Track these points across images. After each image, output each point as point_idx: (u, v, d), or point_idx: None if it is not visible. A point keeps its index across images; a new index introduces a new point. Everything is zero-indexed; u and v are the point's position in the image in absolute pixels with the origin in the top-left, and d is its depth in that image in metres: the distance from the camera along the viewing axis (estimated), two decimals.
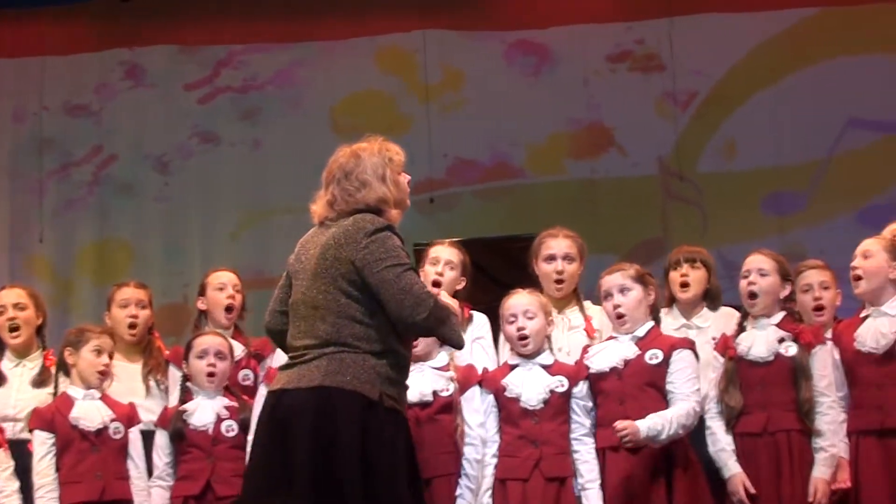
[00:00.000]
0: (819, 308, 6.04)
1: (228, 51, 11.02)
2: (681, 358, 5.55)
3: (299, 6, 10.96)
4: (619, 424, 5.29)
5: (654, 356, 5.54)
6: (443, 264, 6.08)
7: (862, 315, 5.75)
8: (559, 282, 6.10)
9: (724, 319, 6.10)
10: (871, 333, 5.62)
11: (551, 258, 6.14)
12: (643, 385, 5.51)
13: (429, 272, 6.04)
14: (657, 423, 5.34)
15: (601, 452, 5.53)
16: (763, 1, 10.55)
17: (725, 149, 10.52)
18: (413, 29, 10.83)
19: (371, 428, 4.49)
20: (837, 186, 10.24)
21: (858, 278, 5.71)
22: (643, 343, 5.59)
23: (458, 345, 4.80)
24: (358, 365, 4.54)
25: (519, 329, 5.61)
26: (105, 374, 6.03)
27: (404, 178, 4.89)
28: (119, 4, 10.92)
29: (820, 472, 5.51)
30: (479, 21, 10.88)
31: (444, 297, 4.86)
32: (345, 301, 4.58)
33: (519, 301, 5.67)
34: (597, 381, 5.59)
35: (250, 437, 5.72)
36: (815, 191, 10.32)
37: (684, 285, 6.18)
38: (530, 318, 5.62)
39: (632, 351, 5.58)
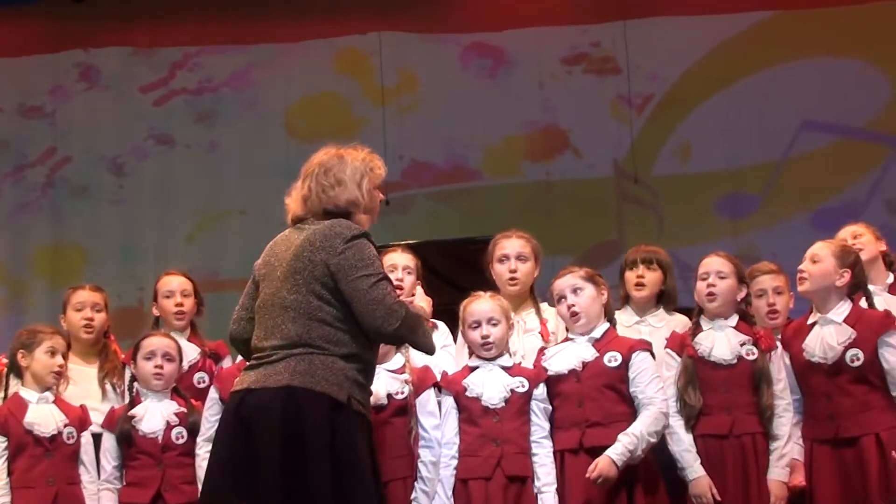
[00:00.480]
0: (773, 312, 6.04)
1: (183, 53, 10.99)
2: (640, 360, 5.52)
3: (255, 8, 10.93)
4: (590, 470, 5.29)
5: (612, 358, 5.52)
6: (401, 270, 6.08)
7: (809, 322, 5.72)
8: (513, 280, 6.09)
9: (678, 324, 6.11)
10: (819, 343, 5.58)
11: (505, 258, 6.14)
12: (602, 387, 5.48)
13: None
14: (629, 444, 5.33)
15: (559, 455, 5.51)
16: (718, 4, 10.60)
17: (680, 151, 10.57)
18: (369, 31, 10.83)
19: (339, 429, 4.49)
20: (791, 189, 10.31)
21: (803, 279, 5.72)
22: (600, 345, 5.57)
23: (430, 351, 4.83)
24: (327, 367, 4.54)
25: (483, 337, 5.60)
26: (60, 374, 5.97)
27: (378, 194, 4.92)
28: (71, 5, 10.86)
29: (776, 474, 5.52)
30: (435, 23, 10.89)
31: (420, 299, 4.90)
32: (316, 303, 4.58)
33: (482, 307, 5.65)
34: (555, 384, 5.57)
35: (200, 440, 5.73)
36: (770, 193, 10.38)
37: (639, 285, 6.18)
38: (494, 325, 5.61)
39: (590, 353, 5.55)
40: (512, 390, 5.52)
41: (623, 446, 5.33)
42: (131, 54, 10.98)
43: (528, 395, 5.53)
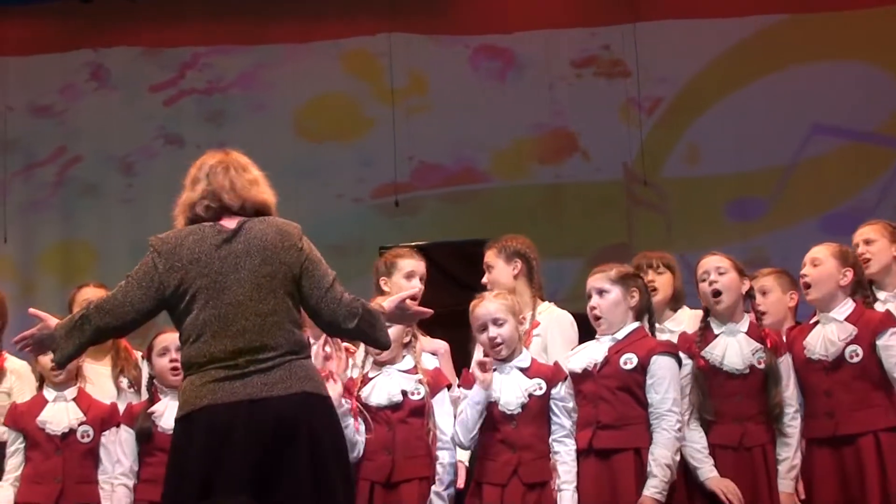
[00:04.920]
0: (761, 313, 5.99)
1: (193, 53, 11.01)
2: (659, 366, 5.42)
3: (264, 8, 10.94)
4: None
5: (628, 360, 5.42)
6: (418, 278, 6.11)
7: (812, 321, 5.72)
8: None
9: (693, 321, 6.07)
10: (821, 341, 5.55)
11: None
12: (616, 389, 5.40)
13: (402, 284, 6.03)
14: (664, 477, 5.29)
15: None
16: (728, 7, 10.60)
17: (689, 154, 10.57)
18: (379, 32, 10.83)
19: (342, 431, 4.62)
20: (801, 193, 10.30)
21: (808, 286, 5.70)
22: (621, 345, 5.48)
23: (384, 346, 4.86)
24: (314, 370, 4.64)
25: (491, 339, 5.55)
26: (56, 370, 5.96)
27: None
28: (81, 5, 10.87)
29: (786, 486, 5.47)
30: (444, 25, 10.90)
31: (406, 304, 4.89)
32: (291, 305, 4.60)
33: (486, 309, 5.58)
34: (576, 382, 5.53)
35: None
36: (779, 197, 10.37)
37: (652, 290, 6.15)
38: (500, 325, 5.56)
39: (604, 354, 5.48)
40: (530, 395, 5.46)
41: (660, 481, 5.28)
42: (141, 54, 11.00)
43: (546, 397, 5.46)
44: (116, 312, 4.73)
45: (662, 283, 6.22)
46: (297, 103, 10.88)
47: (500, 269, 6.19)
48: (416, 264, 6.15)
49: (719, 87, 10.55)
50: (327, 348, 5.50)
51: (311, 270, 4.61)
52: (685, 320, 6.17)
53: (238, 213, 4.76)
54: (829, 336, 5.56)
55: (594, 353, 5.52)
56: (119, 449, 5.90)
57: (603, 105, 10.66)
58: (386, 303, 4.84)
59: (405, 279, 6.09)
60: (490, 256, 6.16)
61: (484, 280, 6.17)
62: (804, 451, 5.56)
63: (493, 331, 5.52)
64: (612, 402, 5.40)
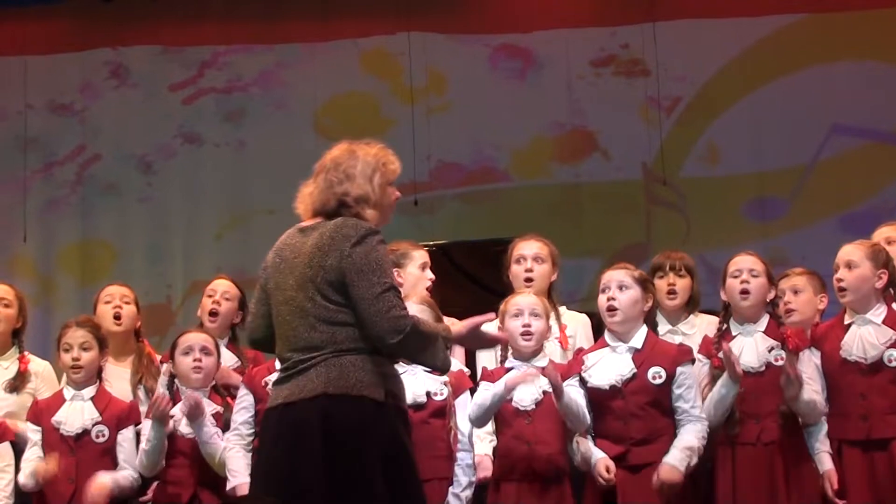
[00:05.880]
0: (789, 311, 5.98)
1: (212, 52, 11.01)
2: (685, 376, 5.50)
3: (283, 7, 10.95)
4: (654, 483, 5.31)
5: (657, 375, 5.46)
6: (430, 269, 6.13)
7: (846, 322, 5.69)
8: (528, 280, 6.09)
9: (708, 326, 6.08)
10: (858, 342, 5.55)
11: (522, 259, 6.16)
12: (646, 405, 5.47)
13: (417, 275, 6.06)
14: (687, 452, 5.36)
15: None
16: (747, 7, 10.57)
17: (709, 154, 10.55)
18: (398, 31, 10.83)
19: (385, 430, 4.46)
20: (821, 193, 10.27)
21: (843, 290, 5.67)
22: (642, 356, 5.51)
23: (436, 369, 4.79)
24: (358, 367, 4.46)
25: (524, 326, 5.58)
26: (77, 368, 5.96)
27: (393, 191, 4.82)
28: (100, 5, 10.89)
29: (830, 465, 5.50)
30: (464, 24, 10.89)
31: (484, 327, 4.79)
32: (334, 308, 4.48)
33: (526, 299, 5.65)
34: (597, 396, 5.53)
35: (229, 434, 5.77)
36: (799, 197, 10.35)
37: (671, 293, 6.15)
38: (536, 317, 5.60)
39: (630, 367, 5.50)
40: (544, 392, 5.49)
41: (680, 452, 5.33)
42: (160, 53, 11.01)
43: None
44: (249, 326, 4.87)
45: (682, 286, 6.20)
46: (316, 102, 10.87)
47: (545, 270, 6.19)
48: (426, 255, 6.18)
49: (738, 86, 10.52)
50: None
51: (354, 280, 4.46)
52: (699, 325, 6.16)
53: (321, 212, 4.69)
54: (867, 338, 5.56)
55: (619, 367, 5.53)
56: (134, 447, 5.90)
57: (622, 104, 10.65)
58: (457, 326, 4.73)
59: (419, 269, 6.11)
60: (543, 250, 6.17)
61: (528, 268, 6.13)
62: (834, 450, 5.56)
63: (527, 318, 5.56)
64: (644, 417, 5.47)
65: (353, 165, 4.72)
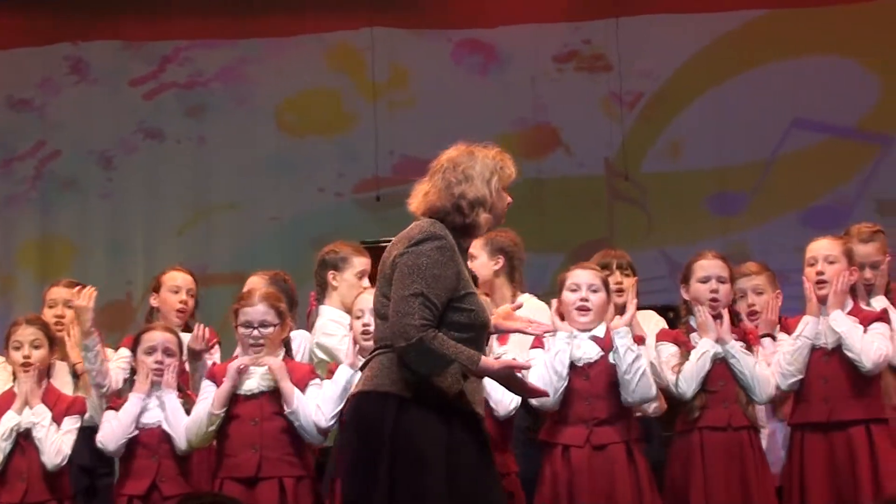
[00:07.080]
0: (753, 314, 6.13)
1: (173, 47, 10.96)
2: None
3: (246, 3, 10.92)
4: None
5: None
6: (367, 278, 6.16)
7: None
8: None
9: (646, 320, 6.29)
10: (823, 328, 5.75)
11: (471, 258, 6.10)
12: (609, 384, 5.63)
13: (352, 282, 6.16)
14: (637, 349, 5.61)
15: (565, 449, 5.60)
16: (709, 2, 10.60)
17: (670, 149, 10.58)
18: (361, 27, 10.81)
19: (402, 427, 4.43)
20: (781, 187, 10.33)
21: (824, 283, 5.80)
22: (603, 343, 5.68)
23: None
24: (393, 364, 4.49)
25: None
26: (27, 366, 5.90)
27: (507, 196, 4.79)
28: None
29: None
30: (427, 19, 10.88)
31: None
32: (387, 303, 4.53)
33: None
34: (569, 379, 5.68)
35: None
36: (759, 191, 10.39)
37: (619, 291, 6.20)
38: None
39: (594, 350, 5.67)
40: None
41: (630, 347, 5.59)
42: (121, 48, 10.95)
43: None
44: None
45: (629, 284, 6.24)
46: (279, 97, 10.85)
47: (481, 261, 6.20)
48: (367, 263, 6.17)
49: (700, 81, 10.56)
50: None
51: (396, 279, 4.50)
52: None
53: (432, 212, 4.72)
54: (831, 325, 5.72)
55: (584, 350, 5.69)
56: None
57: (584, 100, 10.67)
58: (491, 361, 4.60)
59: (356, 277, 6.11)
60: (475, 247, 6.07)
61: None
62: (797, 439, 5.73)
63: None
64: (607, 398, 5.63)
65: (471, 166, 4.75)
